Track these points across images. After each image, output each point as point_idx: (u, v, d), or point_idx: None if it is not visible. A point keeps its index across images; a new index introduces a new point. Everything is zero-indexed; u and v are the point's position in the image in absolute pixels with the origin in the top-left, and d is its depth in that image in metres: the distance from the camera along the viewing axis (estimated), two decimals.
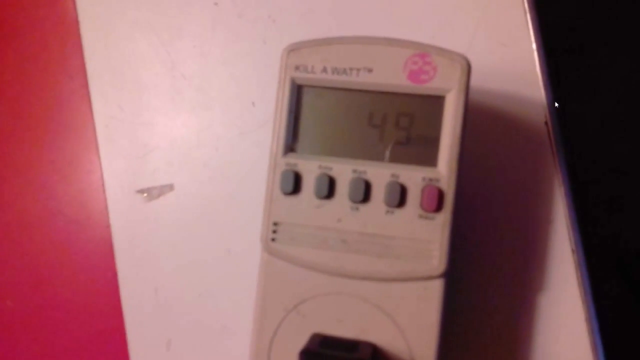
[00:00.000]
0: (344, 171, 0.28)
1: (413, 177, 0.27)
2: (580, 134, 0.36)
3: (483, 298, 0.35)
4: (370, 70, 0.28)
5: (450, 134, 0.27)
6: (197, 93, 0.40)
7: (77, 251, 0.42)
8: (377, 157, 0.28)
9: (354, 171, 0.28)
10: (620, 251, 0.36)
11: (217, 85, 0.40)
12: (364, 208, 0.28)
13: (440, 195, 0.27)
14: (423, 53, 0.27)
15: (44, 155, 0.43)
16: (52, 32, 0.44)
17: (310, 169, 0.28)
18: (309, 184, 0.28)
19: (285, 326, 0.28)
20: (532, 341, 0.34)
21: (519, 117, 0.36)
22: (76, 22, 0.42)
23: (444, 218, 0.27)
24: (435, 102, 0.27)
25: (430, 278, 0.27)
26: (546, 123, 0.36)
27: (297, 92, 0.29)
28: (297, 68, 0.28)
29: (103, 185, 0.40)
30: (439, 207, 0.27)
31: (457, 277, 0.33)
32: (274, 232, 0.29)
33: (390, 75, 0.28)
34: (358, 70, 0.28)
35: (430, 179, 0.27)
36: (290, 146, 0.29)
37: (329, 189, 0.28)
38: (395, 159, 0.28)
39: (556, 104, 0.36)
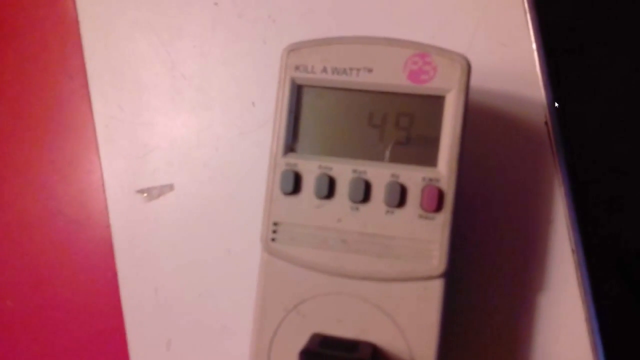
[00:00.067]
0: (344, 171, 0.28)
1: (413, 177, 0.27)
2: (580, 134, 0.36)
3: (483, 298, 0.35)
4: (370, 70, 0.28)
5: (450, 134, 0.27)
6: (197, 93, 0.40)
7: (77, 251, 0.42)
8: (377, 157, 0.28)
9: (354, 171, 0.28)
10: (620, 251, 0.36)
11: (217, 85, 0.40)
12: (364, 208, 0.28)
13: (440, 195, 0.27)
14: (423, 53, 0.27)
15: (44, 155, 0.43)
16: (52, 32, 0.44)
17: (310, 169, 0.28)
18: (309, 184, 0.28)
19: (285, 326, 0.28)
20: (532, 341, 0.34)
21: (519, 117, 0.36)
22: (76, 22, 0.42)
23: (444, 218, 0.27)
24: (435, 102, 0.27)
25: (430, 278, 0.27)
26: (546, 123, 0.36)
27: (297, 92, 0.29)
28: (297, 68, 0.28)
29: (103, 185, 0.40)
30: (439, 207, 0.27)
31: (457, 277, 0.33)
32: (274, 232, 0.29)
33: (390, 75, 0.28)
34: (358, 70, 0.28)
35: (430, 179, 0.27)
36: (290, 146, 0.29)
37: (329, 189, 0.28)
38: (395, 159, 0.28)
39: (556, 104, 0.36)
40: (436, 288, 0.27)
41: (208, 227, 0.39)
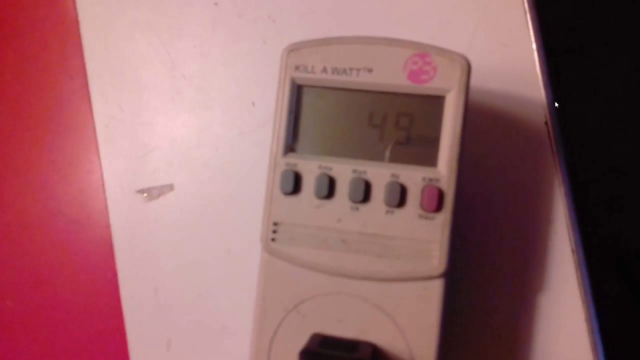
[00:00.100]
0: (344, 171, 0.28)
1: (413, 177, 0.27)
2: (580, 134, 0.36)
3: (483, 298, 0.35)
4: (370, 70, 0.28)
5: (450, 134, 0.27)
6: (197, 93, 0.40)
7: (77, 251, 0.42)
8: (377, 157, 0.28)
9: (354, 171, 0.28)
10: (620, 251, 0.36)
11: (217, 85, 0.40)
12: (364, 208, 0.28)
13: (440, 195, 0.27)
14: (423, 53, 0.27)
15: (44, 155, 0.43)
16: (52, 32, 0.44)
17: (310, 169, 0.28)
18: (309, 184, 0.28)
19: (285, 326, 0.28)
20: (532, 341, 0.34)
21: (519, 117, 0.36)
22: (76, 22, 0.42)
23: (444, 218, 0.27)
24: (435, 102, 0.27)
25: (430, 278, 0.27)
26: (546, 123, 0.36)
27: (297, 92, 0.29)
28: (297, 68, 0.28)
29: (103, 185, 0.40)
30: (439, 207, 0.27)
31: (457, 277, 0.33)
32: (274, 232, 0.29)
33: (390, 75, 0.28)
34: (358, 70, 0.28)
35: (430, 179, 0.27)
36: (290, 146, 0.29)
37: (329, 189, 0.28)
38: (395, 159, 0.28)
39: (556, 104, 0.36)
40: (436, 288, 0.27)
41: (208, 227, 0.39)
